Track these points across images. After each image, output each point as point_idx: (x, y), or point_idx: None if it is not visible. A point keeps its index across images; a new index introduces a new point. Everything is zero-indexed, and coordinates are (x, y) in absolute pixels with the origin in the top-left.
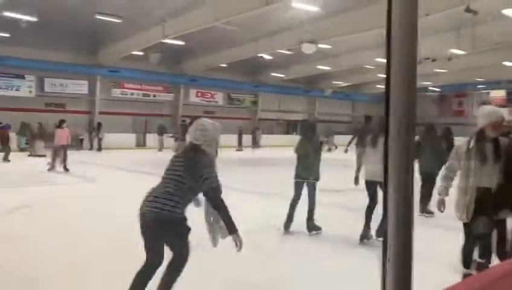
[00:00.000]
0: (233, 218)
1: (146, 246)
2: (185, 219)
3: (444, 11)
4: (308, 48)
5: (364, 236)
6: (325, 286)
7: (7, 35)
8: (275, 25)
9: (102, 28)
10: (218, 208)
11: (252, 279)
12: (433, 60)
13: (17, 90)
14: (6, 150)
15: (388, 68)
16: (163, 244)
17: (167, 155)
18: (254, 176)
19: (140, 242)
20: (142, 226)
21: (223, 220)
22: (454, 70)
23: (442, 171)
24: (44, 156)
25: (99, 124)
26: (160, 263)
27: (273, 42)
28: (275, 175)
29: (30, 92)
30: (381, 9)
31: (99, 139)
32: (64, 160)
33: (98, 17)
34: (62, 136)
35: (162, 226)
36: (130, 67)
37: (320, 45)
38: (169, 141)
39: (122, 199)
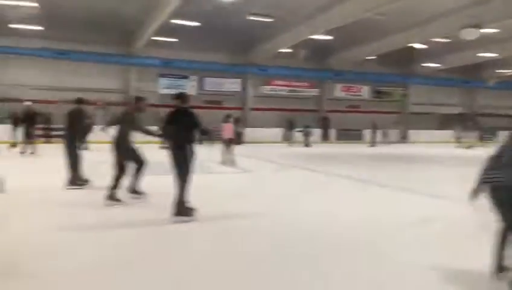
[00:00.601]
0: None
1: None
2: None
3: None
4: (469, 34)
5: None
6: None
7: (175, 40)
8: (430, 11)
9: (254, 28)
10: None
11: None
12: None
13: (182, 89)
14: None
15: None
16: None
17: (298, 149)
18: (420, 174)
19: None
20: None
21: None
22: None
23: None
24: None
25: (238, 119)
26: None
27: (427, 30)
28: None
29: (192, 90)
30: None
31: (239, 134)
32: (230, 152)
33: (251, 18)
34: (228, 130)
35: (500, 194)
36: (278, 64)
37: (484, 30)
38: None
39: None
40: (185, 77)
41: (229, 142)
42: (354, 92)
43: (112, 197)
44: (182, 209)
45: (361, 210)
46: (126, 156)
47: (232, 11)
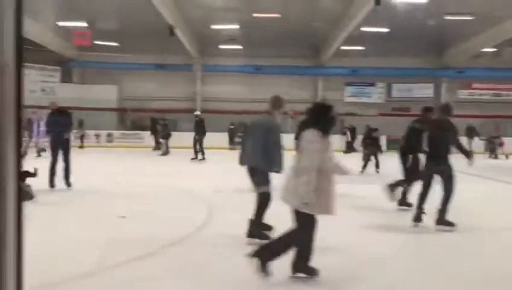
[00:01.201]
0: None
1: None
2: None
3: None
4: None
5: None
6: None
7: (362, 48)
8: None
9: (449, 28)
10: None
11: None
12: None
13: (368, 97)
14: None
15: None
16: None
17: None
18: None
19: None
20: None
21: None
22: None
23: None
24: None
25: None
26: None
27: None
28: None
29: (379, 98)
30: None
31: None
32: None
33: (447, 18)
34: None
35: None
36: (479, 66)
37: None
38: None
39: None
40: (372, 85)
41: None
42: None
43: (403, 204)
44: (444, 219)
45: None
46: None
47: (424, 14)
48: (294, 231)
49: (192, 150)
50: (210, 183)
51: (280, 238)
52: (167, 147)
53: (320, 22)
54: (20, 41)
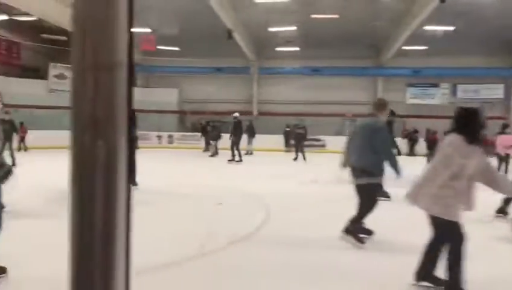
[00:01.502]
0: None
1: None
2: None
3: None
4: None
5: None
6: None
7: (425, 47)
8: None
9: None
10: None
11: None
12: None
13: (431, 98)
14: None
15: None
16: None
17: None
18: None
19: None
20: None
21: None
22: None
23: None
24: None
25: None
26: None
27: None
28: None
29: (443, 99)
30: None
31: None
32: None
33: None
34: (505, 143)
35: None
36: None
37: None
38: None
39: None
40: (435, 85)
41: (506, 159)
42: None
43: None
44: None
45: None
46: None
47: (493, 10)
48: (434, 239)
49: (229, 152)
50: (263, 184)
51: (427, 252)
52: (216, 148)
53: (381, 21)
54: (132, 42)
